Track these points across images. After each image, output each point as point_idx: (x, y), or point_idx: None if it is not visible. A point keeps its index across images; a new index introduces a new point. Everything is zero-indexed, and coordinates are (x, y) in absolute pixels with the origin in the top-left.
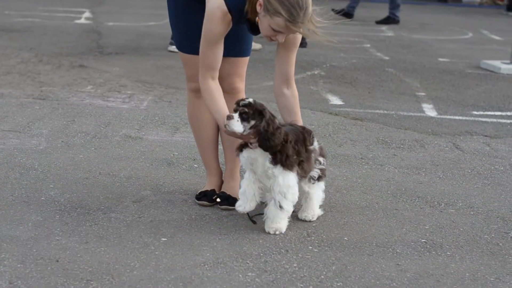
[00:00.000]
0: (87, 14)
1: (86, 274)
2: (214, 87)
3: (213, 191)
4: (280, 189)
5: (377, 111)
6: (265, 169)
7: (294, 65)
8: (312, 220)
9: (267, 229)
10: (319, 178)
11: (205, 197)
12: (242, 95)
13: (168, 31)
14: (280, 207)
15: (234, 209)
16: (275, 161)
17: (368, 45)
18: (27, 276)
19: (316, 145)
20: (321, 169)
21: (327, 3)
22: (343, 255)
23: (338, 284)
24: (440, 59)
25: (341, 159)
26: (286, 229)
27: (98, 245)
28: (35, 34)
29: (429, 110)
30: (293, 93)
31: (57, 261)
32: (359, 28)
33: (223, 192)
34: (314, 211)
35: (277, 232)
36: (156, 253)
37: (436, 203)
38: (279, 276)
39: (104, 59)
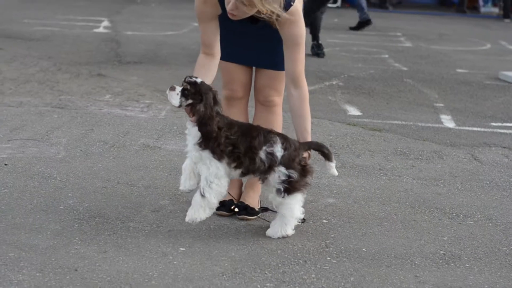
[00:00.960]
0: (105, 23)
1: (104, 284)
2: (201, 62)
3: (231, 201)
4: (207, 176)
5: (395, 122)
6: (193, 152)
7: (302, 65)
8: (275, 237)
9: (186, 219)
10: (288, 191)
11: (223, 207)
12: (278, 109)
13: (185, 40)
14: (202, 195)
15: (252, 219)
16: (204, 145)
17: (386, 56)
18: (45, 285)
19: (278, 151)
20: (287, 181)
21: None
22: (361, 266)
23: None
24: (459, 70)
25: (359, 169)
26: (305, 239)
27: (117, 254)
28: (54, 43)
29: (448, 121)
30: (300, 95)
31: (76, 270)
32: (377, 39)
33: (242, 202)
34: (281, 230)
35: (191, 221)
36: (175, 263)
37: (454, 214)
38: (297, 287)
39: (123, 68)
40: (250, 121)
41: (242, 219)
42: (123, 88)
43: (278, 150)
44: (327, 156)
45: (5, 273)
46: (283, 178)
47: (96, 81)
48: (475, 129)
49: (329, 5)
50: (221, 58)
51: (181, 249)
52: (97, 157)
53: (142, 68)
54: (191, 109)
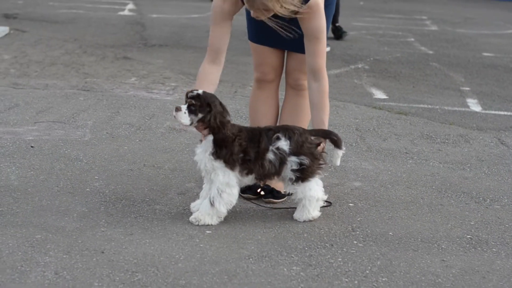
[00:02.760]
0: (130, 6)
1: (131, 266)
2: (205, 70)
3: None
4: (218, 186)
5: (422, 105)
6: (206, 162)
7: (323, 58)
8: (301, 221)
9: (191, 218)
10: (301, 179)
11: (250, 190)
12: (307, 93)
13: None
14: (212, 204)
15: (278, 203)
16: (217, 155)
17: (412, 39)
18: (72, 267)
19: (284, 144)
20: (299, 170)
21: None
22: (388, 250)
23: (383, 279)
24: (485, 54)
25: (386, 153)
26: (331, 223)
27: (143, 237)
28: (79, 25)
29: (474, 105)
30: (319, 88)
31: (102, 252)
32: (403, 22)
33: (267, 185)
34: (305, 213)
35: (195, 221)
36: (201, 245)
37: (481, 199)
38: (324, 271)
39: (148, 51)
40: (280, 104)
41: (268, 202)
42: (148, 71)
43: (284, 144)
44: (336, 143)
45: (32, 255)
46: (295, 167)
47: (121, 64)
48: (501, 113)
49: None
50: (252, 41)
51: (208, 232)
52: (123, 139)
53: (167, 51)
54: (203, 122)
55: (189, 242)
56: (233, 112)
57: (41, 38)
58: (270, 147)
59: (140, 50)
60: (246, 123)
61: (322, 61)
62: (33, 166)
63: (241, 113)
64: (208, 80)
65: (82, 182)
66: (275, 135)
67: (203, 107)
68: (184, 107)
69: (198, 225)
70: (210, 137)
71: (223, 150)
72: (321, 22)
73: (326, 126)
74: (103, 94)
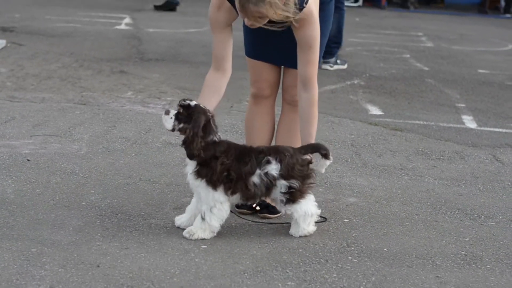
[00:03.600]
0: (127, 20)
1: (126, 280)
2: (209, 80)
3: None
4: (207, 202)
5: (417, 121)
6: (189, 179)
7: (315, 68)
8: (297, 236)
9: (184, 233)
10: (292, 201)
11: (245, 205)
12: None
13: (207, 38)
14: (203, 218)
15: (273, 218)
16: (198, 174)
17: (408, 56)
18: (67, 280)
19: (273, 168)
20: (289, 192)
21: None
22: (382, 266)
23: None
24: (480, 71)
25: (381, 169)
26: (326, 239)
27: (139, 251)
28: (76, 39)
29: (469, 122)
30: (308, 98)
31: (98, 266)
32: (398, 38)
33: (263, 200)
34: (300, 229)
35: (188, 236)
36: (196, 260)
37: (476, 215)
38: (318, 286)
39: (144, 65)
40: (277, 120)
41: (264, 218)
42: (144, 85)
43: (273, 168)
44: (325, 155)
45: (27, 268)
46: (284, 190)
47: (117, 78)
48: (496, 129)
49: (351, 4)
50: (249, 56)
51: (203, 246)
52: (119, 153)
53: (163, 65)
54: (183, 132)
55: (184, 257)
56: (229, 127)
57: (37, 51)
58: (258, 171)
59: (137, 65)
60: (242, 138)
61: (314, 71)
62: (29, 180)
63: (236, 128)
64: (212, 88)
65: (78, 196)
66: (265, 159)
67: (188, 118)
68: (172, 112)
69: (191, 239)
70: None
71: (204, 169)
72: (315, 30)
73: (313, 139)
74: (99, 108)
